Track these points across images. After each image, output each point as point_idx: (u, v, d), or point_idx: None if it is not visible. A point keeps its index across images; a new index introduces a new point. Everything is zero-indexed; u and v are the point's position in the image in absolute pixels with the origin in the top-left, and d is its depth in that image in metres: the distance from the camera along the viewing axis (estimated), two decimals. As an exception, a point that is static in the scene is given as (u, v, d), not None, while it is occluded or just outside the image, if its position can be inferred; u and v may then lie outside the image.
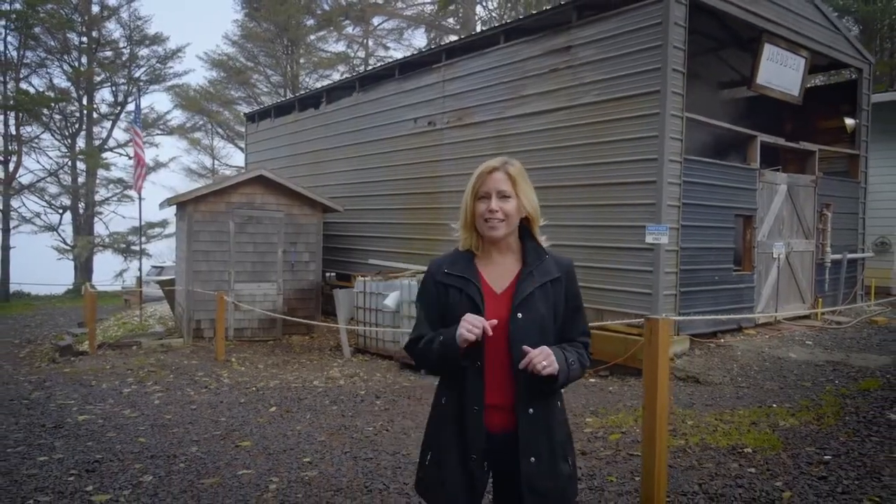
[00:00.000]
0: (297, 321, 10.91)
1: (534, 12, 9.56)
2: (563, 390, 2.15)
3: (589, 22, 8.30)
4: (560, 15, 8.74)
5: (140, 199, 14.35)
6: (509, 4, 28.63)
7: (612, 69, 7.97)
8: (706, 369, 7.19)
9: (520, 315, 2.03)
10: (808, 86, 11.73)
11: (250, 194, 11.55)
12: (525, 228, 2.16)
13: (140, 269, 15.48)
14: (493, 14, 30.30)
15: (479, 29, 29.20)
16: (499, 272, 2.13)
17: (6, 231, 26.65)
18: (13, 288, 26.95)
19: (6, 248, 26.46)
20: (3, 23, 26.70)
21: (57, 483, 4.46)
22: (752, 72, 9.05)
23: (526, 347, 1.94)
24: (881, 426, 5.06)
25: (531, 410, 2.04)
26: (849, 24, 24.27)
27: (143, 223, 15.76)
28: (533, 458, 2.04)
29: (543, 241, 2.18)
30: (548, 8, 9.31)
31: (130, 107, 29.87)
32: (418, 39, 34.29)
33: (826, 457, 4.45)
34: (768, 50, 8.92)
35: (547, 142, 8.83)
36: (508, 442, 2.06)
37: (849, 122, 10.93)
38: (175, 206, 12.31)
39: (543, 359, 1.92)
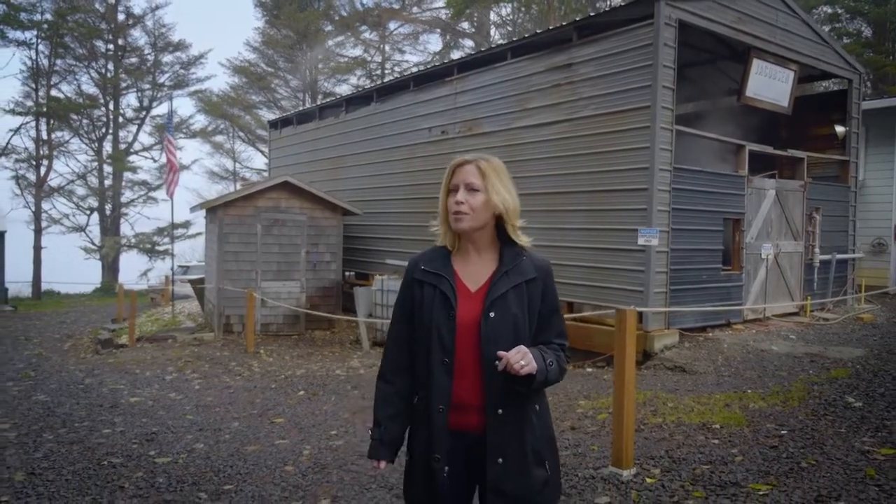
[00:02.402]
0: (320, 316, 11.68)
1: (538, 31, 10.26)
2: (547, 392, 2.21)
3: (588, 41, 9.01)
4: (562, 34, 9.45)
5: (171, 201, 15.27)
6: (522, 10, 29.30)
7: (608, 85, 8.67)
8: (692, 360, 7.87)
9: (492, 315, 2.01)
10: (803, 94, 12.32)
11: (276, 199, 12.39)
12: (503, 228, 2.13)
13: (172, 269, 16.41)
14: (507, 19, 31.02)
15: (493, 33, 29.95)
16: (475, 270, 2.12)
17: (38, 232, 27.86)
18: (44, 286, 28.12)
19: (38, 248, 27.66)
20: (35, 32, 27.91)
21: (123, 449, 5.27)
22: (741, 85, 9.68)
23: (501, 352, 1.91)
24: (838, 408, 5.73)
25: (500, 411, 1.99)
26: (861, 26, 24.67)
27: (170, 224, 16.67)
28: (501, 460, 1.98)
29: (526, 241, 2.14)
30: (551, 28, 10.01)
31: (155, 111, 31.02)
32: (434, 44, 35.03)
33: (782, 431, 5.13)
34: (757, 64, 9.55)
35: (551, 151, 9.54)
36: (481, 443, 2.01)
37: (839, 129, 11.52)
38: (205, 210, 13.19)
39: (521, 358, 1.87)
